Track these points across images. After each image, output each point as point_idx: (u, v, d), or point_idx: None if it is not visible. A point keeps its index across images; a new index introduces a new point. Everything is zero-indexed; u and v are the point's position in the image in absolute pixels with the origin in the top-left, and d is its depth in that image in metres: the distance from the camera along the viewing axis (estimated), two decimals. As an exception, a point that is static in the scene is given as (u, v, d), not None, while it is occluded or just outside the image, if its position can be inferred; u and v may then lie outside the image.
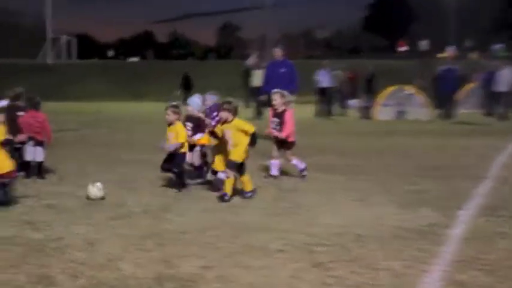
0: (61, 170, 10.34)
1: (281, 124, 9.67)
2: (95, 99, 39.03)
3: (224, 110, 8.21)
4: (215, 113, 9.08)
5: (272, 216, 7.14)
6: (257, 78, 23.99)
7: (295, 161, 9.85)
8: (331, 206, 7.73)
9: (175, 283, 4.80)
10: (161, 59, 60.97)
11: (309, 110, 25.29)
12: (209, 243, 5.95)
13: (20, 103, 9.85)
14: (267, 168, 10.09)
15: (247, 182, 8.24)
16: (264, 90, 14.62)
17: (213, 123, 8.92)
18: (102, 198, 7.91)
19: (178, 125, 8.72)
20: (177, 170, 8.69)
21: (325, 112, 25.56)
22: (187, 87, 32.69)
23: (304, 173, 9.80)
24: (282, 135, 9.65)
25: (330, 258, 5.44)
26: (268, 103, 11.48)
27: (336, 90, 26.45)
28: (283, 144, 9.78)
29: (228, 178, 8.02)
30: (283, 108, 9.73)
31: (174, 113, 8.69)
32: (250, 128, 8.18)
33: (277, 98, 9.77)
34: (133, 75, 47.20)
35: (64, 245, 5.88)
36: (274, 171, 9.83)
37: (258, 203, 7.93)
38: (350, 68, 30.09)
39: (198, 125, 9.37)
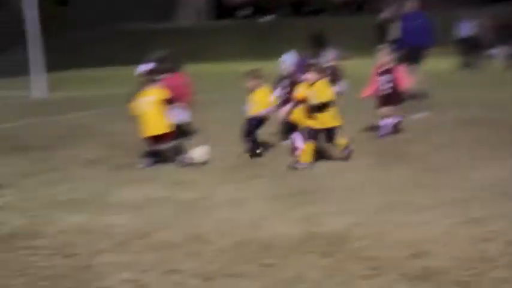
0: (204, 131, 10.61)
1: (393, 80, 9.46)
2: (231, 61, 39.69)
3: (311, 71, 7.83)
4: (301, 70, 8.64)
5: (421, 172, 6.97)
6: (392, 32, 23.24)
7: (390, 119, 9.45)
8: (479, 161, 7.41)
9: (322, 240, 4.79)
10: (294, 16, 60.53)
11: (449, 63, 24.29)
12: (356, 201, 5.89)
13: (164, 66, 10.13)
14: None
15: (308, 152, 7.72)
16: (400, 44, 14.14)
17: (299, 80, 8.33)
18: (204, 163, 8.01)
19: (260, 92, 8.51)
20: (250, 137, 8.53)
21: (467, 63, 24.42)
22: (320, 45, 32.33)
23: (388, 129, 9.38)
24: (402, 89, 9.50)
25: (484, 214, 5.23)
26: (405, 57, 11.14)
27: (477, 40, 25.13)
28: (391, 100, 9.46)
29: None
30: (391, 65, 9.56)
31: (252, 79, 8.54)
32: (332, 95, 7.77)
33: (384, 55, 9.63)
34: (267, 34, 47.38)
35: (212, 204, 6.05)
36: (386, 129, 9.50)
37: (405, 160, 7.75)
38: (493, 16, 28.39)
39: (291, 83, 9.05)
